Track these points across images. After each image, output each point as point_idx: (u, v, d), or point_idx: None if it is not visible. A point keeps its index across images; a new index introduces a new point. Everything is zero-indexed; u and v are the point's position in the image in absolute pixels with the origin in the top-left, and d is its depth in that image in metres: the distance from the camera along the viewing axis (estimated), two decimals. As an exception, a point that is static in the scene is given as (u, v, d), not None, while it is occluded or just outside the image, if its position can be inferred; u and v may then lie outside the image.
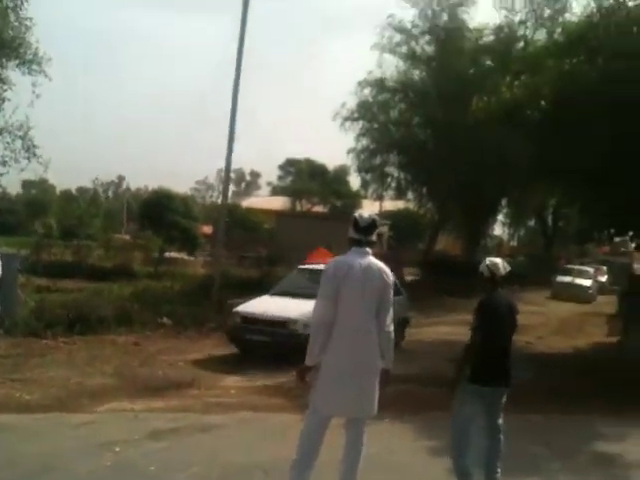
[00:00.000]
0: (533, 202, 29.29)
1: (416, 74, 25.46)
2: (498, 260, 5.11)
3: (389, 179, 28.85)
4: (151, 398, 7.85)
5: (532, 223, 40.39)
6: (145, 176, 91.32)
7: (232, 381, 9.32)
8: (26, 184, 66.45)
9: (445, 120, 21.49)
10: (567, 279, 27.16)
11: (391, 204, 45.18)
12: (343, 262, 4.45)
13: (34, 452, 5.34)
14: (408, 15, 25.34)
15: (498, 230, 43.60)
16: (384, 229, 37.06)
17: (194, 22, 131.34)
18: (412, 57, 24.85)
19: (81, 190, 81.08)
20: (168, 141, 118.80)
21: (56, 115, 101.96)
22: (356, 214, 4.58)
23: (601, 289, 28.62)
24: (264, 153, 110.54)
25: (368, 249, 4.51)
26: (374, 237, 4.57)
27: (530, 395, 8.82)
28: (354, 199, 48.04)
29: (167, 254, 26.66)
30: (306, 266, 12.96)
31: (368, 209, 43.39)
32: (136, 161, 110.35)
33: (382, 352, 4.44)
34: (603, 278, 30.33)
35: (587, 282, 27.26)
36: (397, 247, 32.05)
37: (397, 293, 11.01)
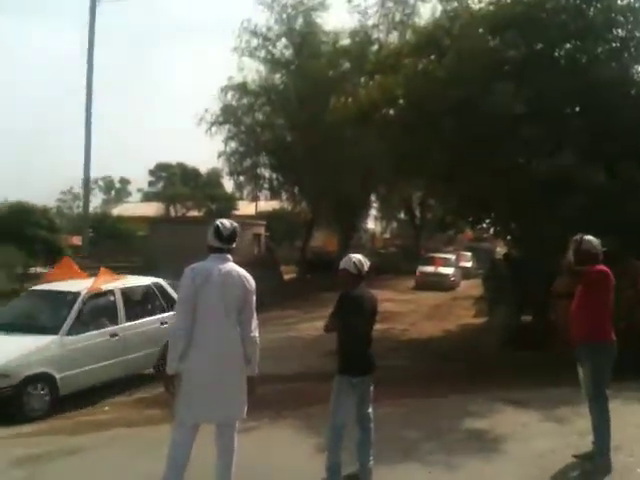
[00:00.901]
0: (402, 195, 30.51)
1: (277, 77, 25.77)
2: (361, 257, 5.31)
3: (262, 181, 29.04)
4: (18, 424, 7.43)
5: (402, 215, 41.98)
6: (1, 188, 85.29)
7: (107, 396, 9.01)
8: None
9: (306, 122, 21.90)
10: (429, 269, 27.30)
11: (267, 204, 45.48)
12: (202, 268, 4.43)
13: None
14: (263, 19, 25.58)
15: (372, 224, 44.99)
16: (261, 230, 37.16)
17: (37, 27, 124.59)
18: (271, 61, 25.17)
19: None
20: (23, 151, 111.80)
21: None
22: (218, 222, 4.55)
23: (466, 274, 29.73)
24: (133, 160, 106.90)
25: (229, 255, 4.52)
26: (234, 245, 4.58)
27: (402, 380, 9.23)
28: (230, 202, 47.79)
29: (33, 269, 25.10)
30: (42, 287, 10.38)
31: (244, 210, 43.43)
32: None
33: (247, 358, 4.46)
34: (468, 264, 31.23)
35: (448, 270, 27.54)
36: (274, 247, 32.17)
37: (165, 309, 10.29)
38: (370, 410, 5.25)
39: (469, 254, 32.87)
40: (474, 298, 21.03)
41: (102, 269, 10.23)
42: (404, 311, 18.71)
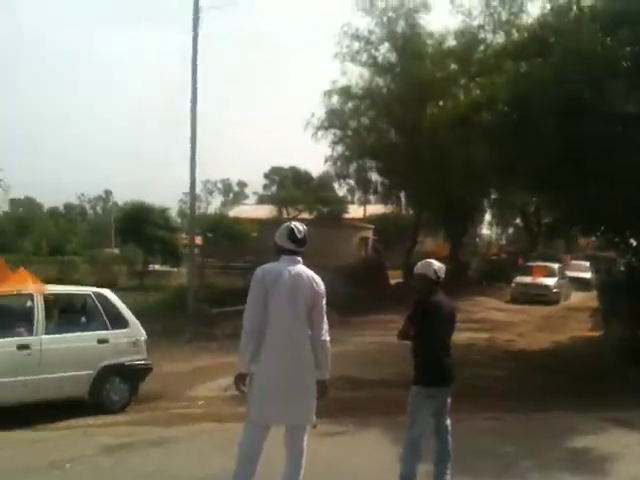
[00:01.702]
0: (514, 200, 29.38)
1: (380, 80, 25.49)
2: (439, 263, 5.20)
3: (369, 184, 28.97)
4: (115, 412, 7.89)
5: (518, 221, 40.54)
6: (132, 190, 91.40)
7: (203, 391, 9.36)
8: (14, 203, 66.46)
9: (410, 124, 21.57)
10: (526, 279, 24.48)
11: (376, 208, 45.49)
12: (272, 268, 4.47)
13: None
14: (364, 23, 25.22)
15: (487, 230, 43.90)
16: (368, 233, 37.25)
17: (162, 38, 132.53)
18: (374, 64, 24.83)
19: (68, 207, 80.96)
20: (151, 155, 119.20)
21: (32, 135, 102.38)
22: (292, 225, 4.60)
23: (584, 285, 27.48)
24: (251, 163, 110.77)
25: (299, 258, 4.55)
26: (304, 248, 4.59)
27: (502, 392, 8.91)
28: (340, 205, 48.20)
29: (151, 267, 26.66)
30: None
31: (354, 214, 43.71)
32: (121, 176, 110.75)
33: (318, 362, 4.44)
34: (585, 274, 28.86)
35: (550, 281, 24.50)
36: (381, 251, 32.07)
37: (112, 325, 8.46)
38: (448, 422, 5.11)
39: (586, 263, 30.87)
40: (591, 310, 19.94)
41: (21, 270, 8.64)
42: (514, 321, 18.04)
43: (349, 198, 53.76)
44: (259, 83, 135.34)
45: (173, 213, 40.62)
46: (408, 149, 22.71)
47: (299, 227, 4.58)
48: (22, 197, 69.70)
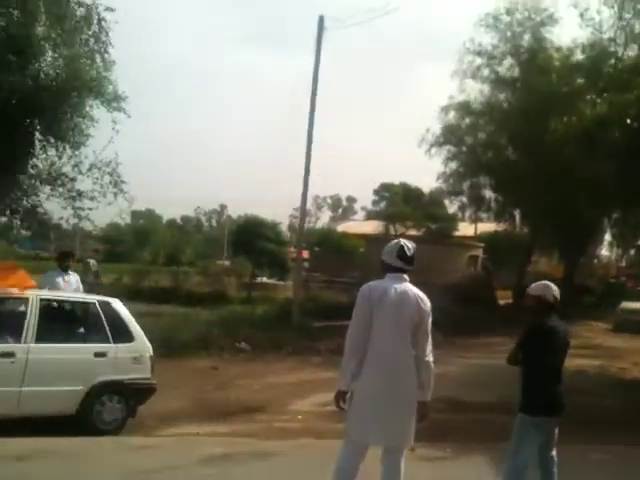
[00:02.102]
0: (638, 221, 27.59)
1: (501, 96, 24.97)
2: (554, 286, 4.91)
3: (482, 202, 28.34)
4: (218, 423, 8.03)
5: (641, 242, 37.94)
6: (245, 204, 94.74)
7: (303, 405, 9.32)
8: (135, 214, 70.55)
9: (531, 139, 20.87)
10: (633, 305, 21.37)
11: (487, 226, 44.28)
12: (378, 286, 4.37)
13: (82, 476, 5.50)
14: (487, 38, 24.81)
15: (606, 251, 41.48)
16: (478, 252, 36.22)
17: (279, 59, 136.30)
18: (495, 80, 24.39)
19: (185, 219, 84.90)
20: (265, 170, 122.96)
21: (156, 151, 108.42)
22: (402, 242, 4.49)
23: None
24: (360, 179, 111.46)
25: (406, 276, 4.42)
26: (412, 267, 4.46)
27: (613, 424, 8.26)
28: (450, 222, 47.49)
29: (259, 279, 27.25)
30: None
31: (464, 231, 42.82)
32: (236, 190, 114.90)
33: (421, 382, 4.29)
34: None
35: None
36: (491, 270, 31.04)
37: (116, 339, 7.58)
38: (554, 453, 4.79)
39: None
40: None
41: (20, 271, 7.82)
42: (631, 348, 16.74)
43: (460, 216, 52.94)
44: (372, 100, 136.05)
45: (284, 227, 41.49)
46: (528, 165, 22.04)
47: (409, 245, 4.47)
48: (143, 209, 73.77)
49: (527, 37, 23.43)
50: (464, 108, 24.82)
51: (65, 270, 9.36)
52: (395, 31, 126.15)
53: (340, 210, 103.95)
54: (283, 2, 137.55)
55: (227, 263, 39.98)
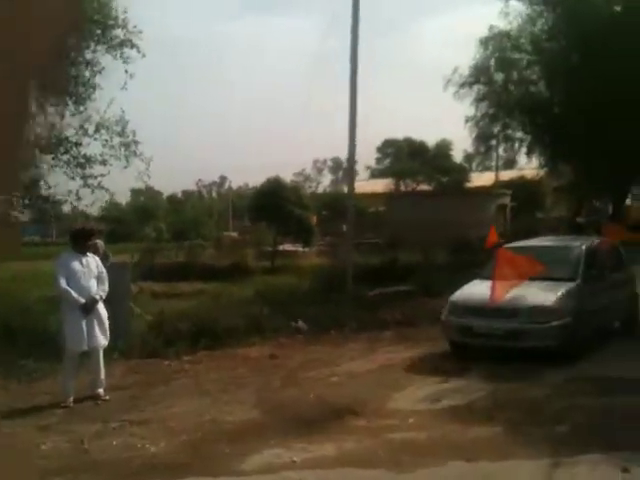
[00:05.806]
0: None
1: (541, 23, 22.57)
2: None
3: (512, 143, 26.40)
4: (311, 439, 5.85)
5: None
6: (244, 174, 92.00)
7: (405, 402, 7.19)
8: (134, 192, 67.94)
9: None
10: None
11: (506, 174, 42.16)
12: None
13: None
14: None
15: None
16: (506, 200, 34.19)
17: (287, 23, 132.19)
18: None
19: (186, 193, 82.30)
20: (262, 138, 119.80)
21: (150, 121, 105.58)
22: None
23: None
24: (360, 139, 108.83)
25: None
26: None
27: None
28: (460, 173, 45.57)
29: (280, 247, 25.13)
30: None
31: (475, 182, 40.94)
32: (234, 161, 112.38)
33: None
34: None
35: None
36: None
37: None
38: None
39: None
40: None
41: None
42: None
43: (467, 166, 50.77)
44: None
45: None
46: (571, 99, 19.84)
47: None
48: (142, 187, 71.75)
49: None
50: (505, 38, 22.75)
51: (83, 252, 7.31)
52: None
53: (341, 173, 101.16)
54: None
55: (234, 235, 37.86)
